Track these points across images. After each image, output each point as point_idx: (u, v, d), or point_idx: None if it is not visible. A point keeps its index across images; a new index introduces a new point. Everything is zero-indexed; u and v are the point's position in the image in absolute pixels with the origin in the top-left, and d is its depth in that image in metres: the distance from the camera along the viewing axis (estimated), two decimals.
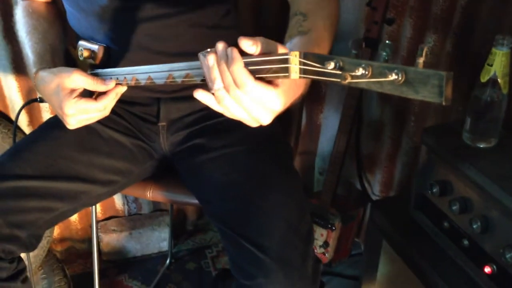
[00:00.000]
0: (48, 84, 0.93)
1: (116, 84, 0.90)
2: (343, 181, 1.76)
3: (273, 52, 0.66)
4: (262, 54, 0.66)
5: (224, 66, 0.66)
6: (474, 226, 1.00)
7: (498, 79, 0.98)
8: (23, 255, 1.03)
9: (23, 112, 1.53)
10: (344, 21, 1.57)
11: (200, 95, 0.71)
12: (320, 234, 1.63)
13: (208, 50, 0.69)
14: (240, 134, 1.03)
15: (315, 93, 1.69)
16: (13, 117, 1.53)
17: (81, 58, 1.03)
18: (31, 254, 1.50)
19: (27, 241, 0.94)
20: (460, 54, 1.35)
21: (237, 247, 0.91)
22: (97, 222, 1.78)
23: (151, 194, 1.13)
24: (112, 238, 1.74)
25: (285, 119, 1.19)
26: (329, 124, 1.72)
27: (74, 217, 1.77)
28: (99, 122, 0.99)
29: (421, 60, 0.55)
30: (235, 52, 0.65)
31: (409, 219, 1.19)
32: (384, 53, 0.59)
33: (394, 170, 1.63)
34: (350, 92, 1.49)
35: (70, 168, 1.00)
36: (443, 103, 0.51)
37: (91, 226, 1.28)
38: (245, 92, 0.65)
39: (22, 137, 1.06)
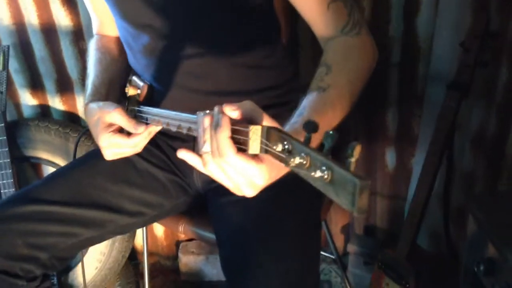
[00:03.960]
0: (93, 116, 0.99)
1: (149, 124, 0.93)
2: (431, 233, 1.57)
3: (258, 120, 0.64)
4: (244, 121, 0.64)
5: (213, 131, 0.65)
6: None
7: None
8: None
9: None
10: (439, 61, 1.41)
11: (184, 155, 0.71)
12: None
13: (207, 111, 0.68)
14: None
15: (406, 134, 1.54)
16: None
17: (127, 94, 1.09)
18: (107, 266, 1.62)
19: (48, 262, 1.01)
20: None
21: None
22: (179, 242, 1.85)
23: (183, 228, 1.13)
24: (190, 260, 1.80)
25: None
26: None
27: (160, 234, 1.86)
28: (137, 154, 1.03)
29: (353, 160, 0.46)
30: (224, 119, 0.64)
31: None
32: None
33: None
34: (435, 136, 1.33)
35: (99, 196, 1.05)
36: (355, 214, 0.44)
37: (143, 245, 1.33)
38: (227, 162, 0.64)
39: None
